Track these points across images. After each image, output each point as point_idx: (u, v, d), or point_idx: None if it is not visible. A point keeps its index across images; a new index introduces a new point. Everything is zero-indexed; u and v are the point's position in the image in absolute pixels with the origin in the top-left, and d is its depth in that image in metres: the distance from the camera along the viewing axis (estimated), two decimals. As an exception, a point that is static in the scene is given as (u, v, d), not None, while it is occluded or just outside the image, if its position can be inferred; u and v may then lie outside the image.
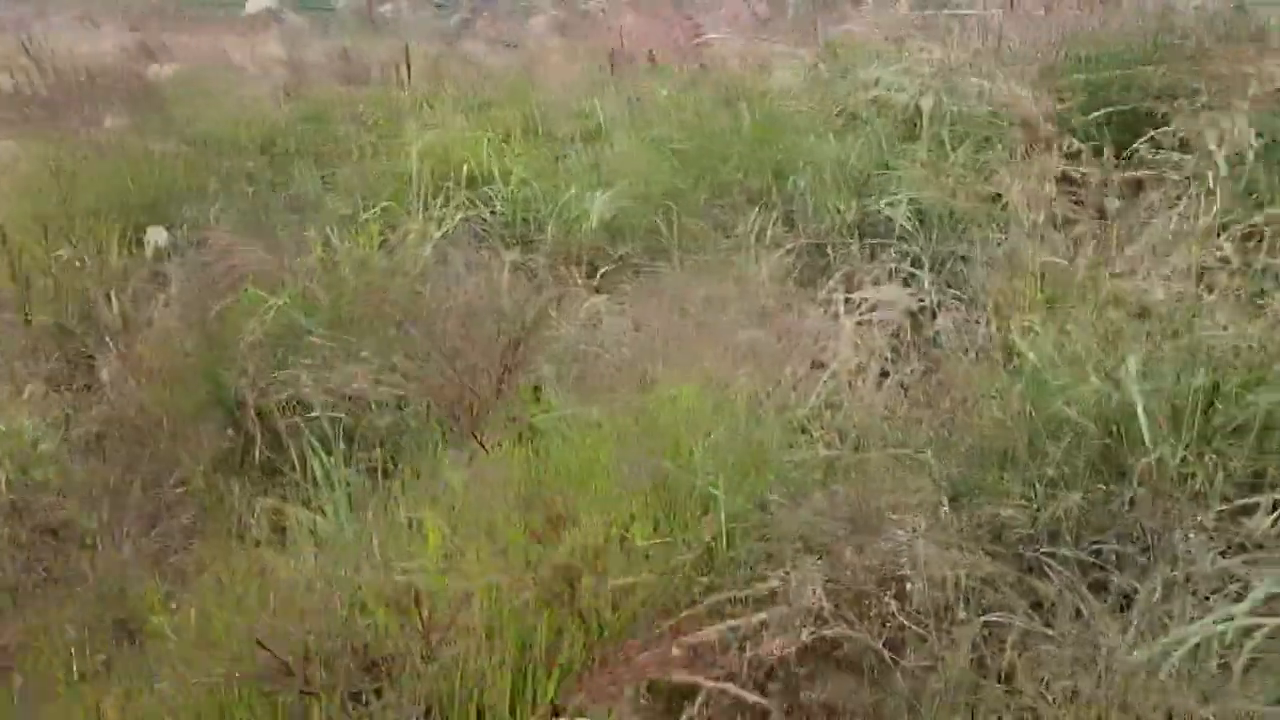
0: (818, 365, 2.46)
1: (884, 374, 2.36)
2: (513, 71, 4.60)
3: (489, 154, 3.78)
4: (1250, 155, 2.43)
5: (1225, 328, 1.61)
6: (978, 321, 2.16)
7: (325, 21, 5.93)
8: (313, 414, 2.29)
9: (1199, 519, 1.41)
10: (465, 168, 3.73)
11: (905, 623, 1.45)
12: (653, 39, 4.20)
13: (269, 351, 2.46)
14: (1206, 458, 1.47)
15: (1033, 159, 2.42)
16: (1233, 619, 1.20)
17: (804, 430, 2.18)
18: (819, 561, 1.72)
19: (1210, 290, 1.90)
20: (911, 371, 2.29)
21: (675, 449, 1.95)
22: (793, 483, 1.95)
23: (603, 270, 3.03)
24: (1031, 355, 1.84)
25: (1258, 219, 2.16)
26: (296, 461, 2.11)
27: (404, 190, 3.39)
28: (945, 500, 1.79)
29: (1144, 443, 1.56)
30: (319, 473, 2.11)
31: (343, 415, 2.29)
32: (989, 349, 2.06)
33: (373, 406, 2.30)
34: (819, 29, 3.87)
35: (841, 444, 2.11)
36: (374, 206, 3.17)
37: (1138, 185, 2.59)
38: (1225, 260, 1.95)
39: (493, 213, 3.57)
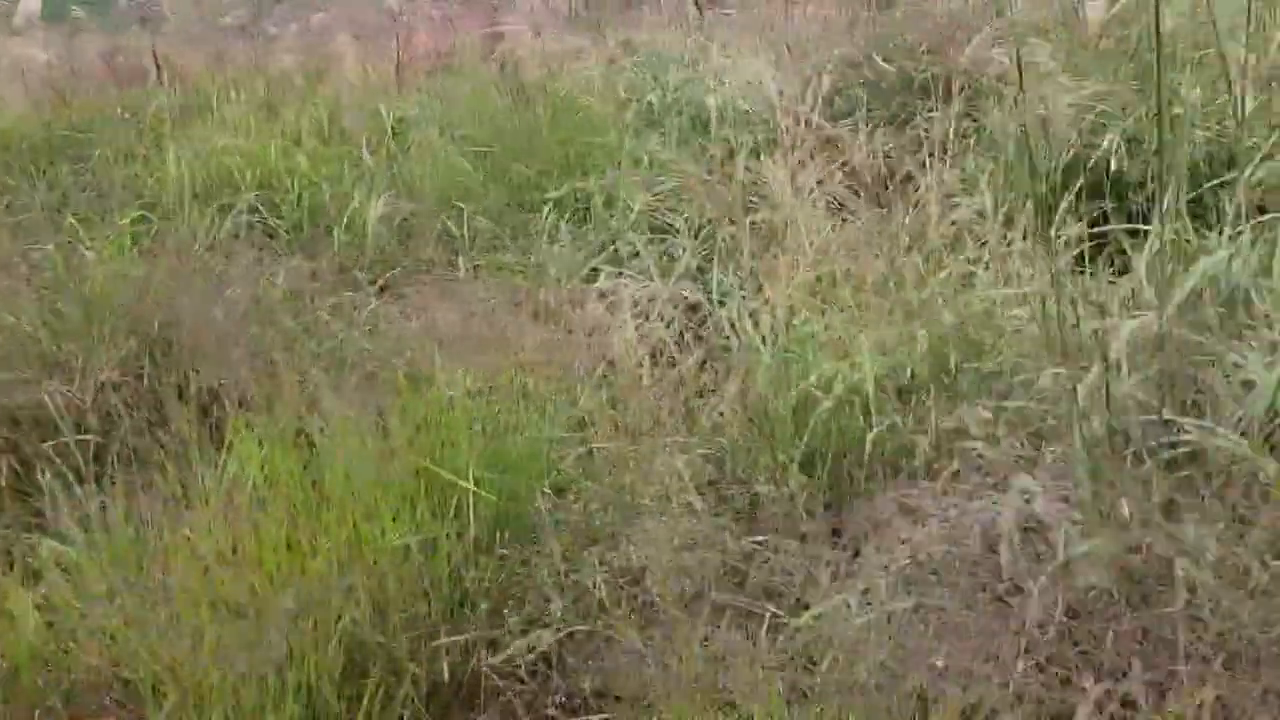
0: (604, 360, 2.48)
1: (671, 363, 2.41)
2: (305, 70, 4.44)
3: (277, 157, 3.63)
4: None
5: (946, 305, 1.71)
6: (753, 311, 2.22)
7: (102, 20, 5.54)
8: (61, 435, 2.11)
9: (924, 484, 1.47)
10: (252, 171, 3.57)
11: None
12: (450, 37, 4.14)
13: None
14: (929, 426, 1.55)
15: (807, 152, 2.51)
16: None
17: (586, 424, 2.19)
18: (586, 553, 1.74)
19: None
20: (692, 361, 2.34)
21: (448, 450, 1.91)
22: (566, 477, 1.96)
23: (390, 274, 2.95)
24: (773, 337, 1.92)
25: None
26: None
27: (176, 195, 3.19)
28: (704, 483, 1.82)
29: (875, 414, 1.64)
30: (61, 496, 1.94)
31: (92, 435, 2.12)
32: (761, 334, 2.12)
33: (125, 421, 2.14)
34: (617, 27, 3.91)
35: (619, 436, 2.13)
36: (134, 212, 2.96)
37: (908, 176, 2.69)
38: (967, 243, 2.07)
39: (279, 217, 3.43)
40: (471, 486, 1.68)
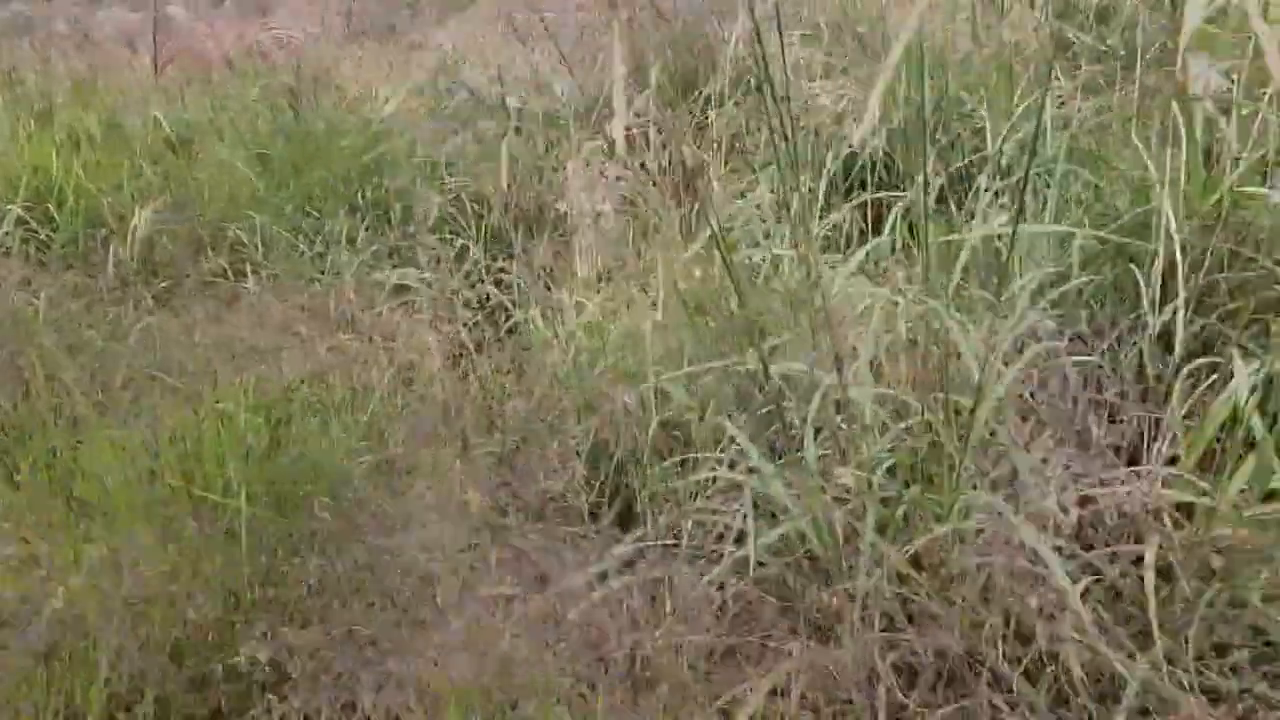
0: (404, 366, 2.44)
1: (470, 366, 2.40)
2: (82, 73, 4.13)
3: (50, 164, 3.37)
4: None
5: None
6: (548, 310, 2.22)
7: None
8: None
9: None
10: (25, 180, 3.30)
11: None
12: (239, 41, 3.95)
13: None
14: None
15: (601, 151, 2.54)
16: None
17: (379, 432, 2.14)
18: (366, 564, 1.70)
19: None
20: (490, 362, 2.33)
21: (218, 467, 1.82)
22: (354, 488, 1.91)
23: (173, 286, 2.79)
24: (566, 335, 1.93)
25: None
26: None
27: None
28: (498, 484, 1.81)
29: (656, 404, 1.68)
30: None
31: None
32: (554, 330, 2.13)
33: None
34: (417, 30, 3.84)
35: (414, 440, 2.09)
36: None
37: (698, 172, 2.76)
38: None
39: (54, 230, 3.18)
40: (242, 505, 1.60)
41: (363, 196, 3.09)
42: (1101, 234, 1.70)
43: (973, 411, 1.23)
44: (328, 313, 2.62)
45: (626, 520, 1.58)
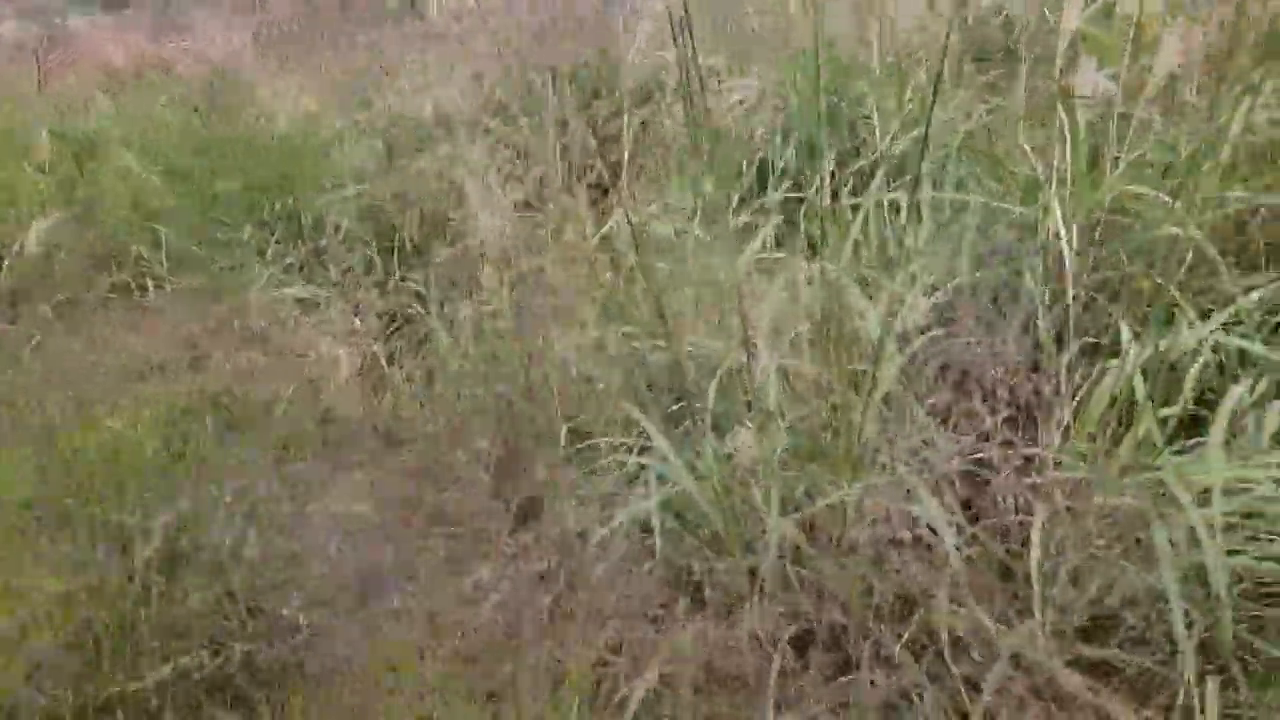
0: (313, 379, 2.39)
1: (380, 376, 2.37)
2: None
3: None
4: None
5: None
6: (455, 316, 2.20)
7: None
8: None
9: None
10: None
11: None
12: (148, 53, 3.86)
13: None
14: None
15: (502, 159, 2.54)
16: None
17: (286, 448, 2.09)
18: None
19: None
20: (401, 372, 2.31)
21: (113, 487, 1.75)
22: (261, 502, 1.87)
23: (72, 301, 2.69)
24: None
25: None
26: None
27: None
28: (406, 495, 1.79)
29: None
30: None
31: None
32: (461, 335, 2.11)
33: None
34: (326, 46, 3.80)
35: (326, 452, 2.06)
36: None
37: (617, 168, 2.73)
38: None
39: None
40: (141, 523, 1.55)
41: (273, 208, 3.02)
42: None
43: (872, 387, 1.26)
44: (235, 327, 2.56)
45: (531, 515, 1.57)
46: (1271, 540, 1.08)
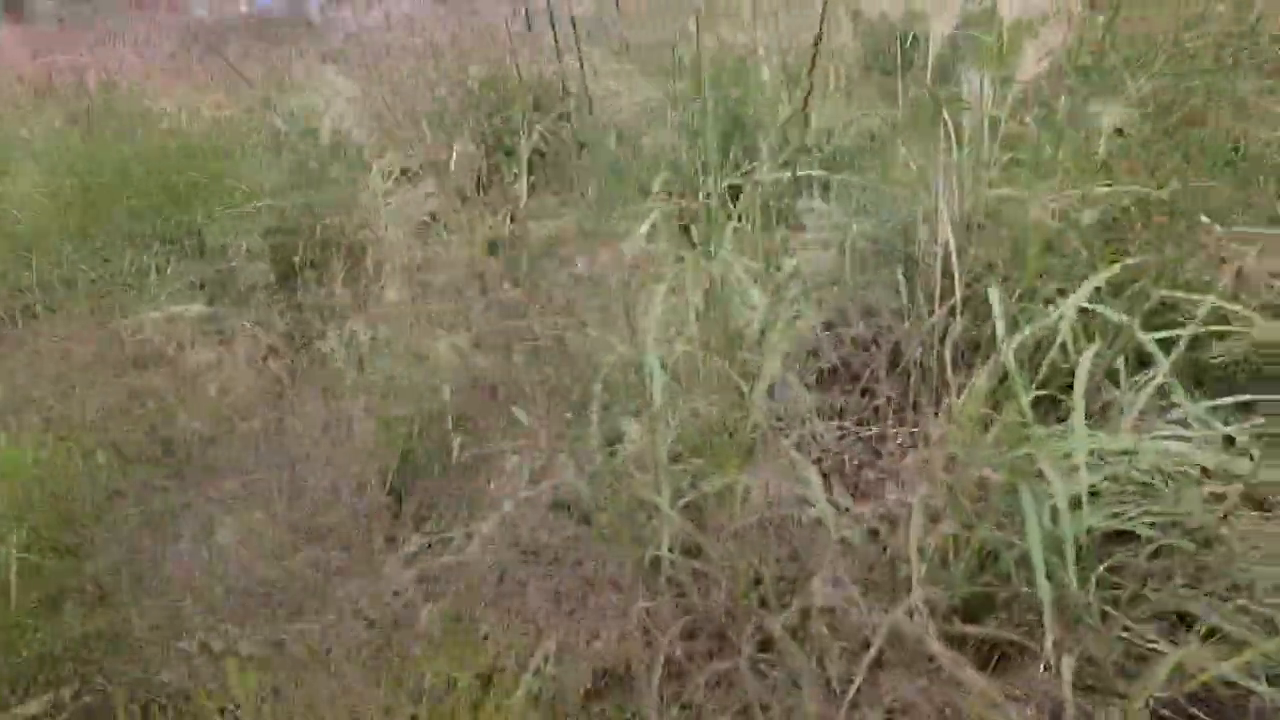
0: (212, 401, 2.33)
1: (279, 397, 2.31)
2: None
3: None
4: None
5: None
6: (350, 335, 2.17)
7: None
8: None
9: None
10: None
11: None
12: (48, 67, 3.73)
13: None
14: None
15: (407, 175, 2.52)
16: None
17: (180, 474, 2.03)
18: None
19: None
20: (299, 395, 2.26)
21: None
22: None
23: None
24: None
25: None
26: None
27: None
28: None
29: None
30: None
31: None
32: (356, 354, 2.08)
33: None
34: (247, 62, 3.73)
35: (217, 478, 2.00)
36: None
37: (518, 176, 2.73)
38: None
39: None
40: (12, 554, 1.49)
41: (175, 225, 2.94)
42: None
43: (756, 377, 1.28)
44: (132, 349, 2.48)
45: (423, 525, 1.55)
46: (1129, 505, 1.14)
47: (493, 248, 2.01)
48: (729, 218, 1.75)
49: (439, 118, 3.04)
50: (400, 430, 1.79)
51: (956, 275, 1.76)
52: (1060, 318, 1.28)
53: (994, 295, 1.39)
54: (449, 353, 1.71)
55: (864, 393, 1.47)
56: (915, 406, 1.49)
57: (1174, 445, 1.11)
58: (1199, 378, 1.53)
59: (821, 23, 2.53)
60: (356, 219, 2.64)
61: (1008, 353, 1.37)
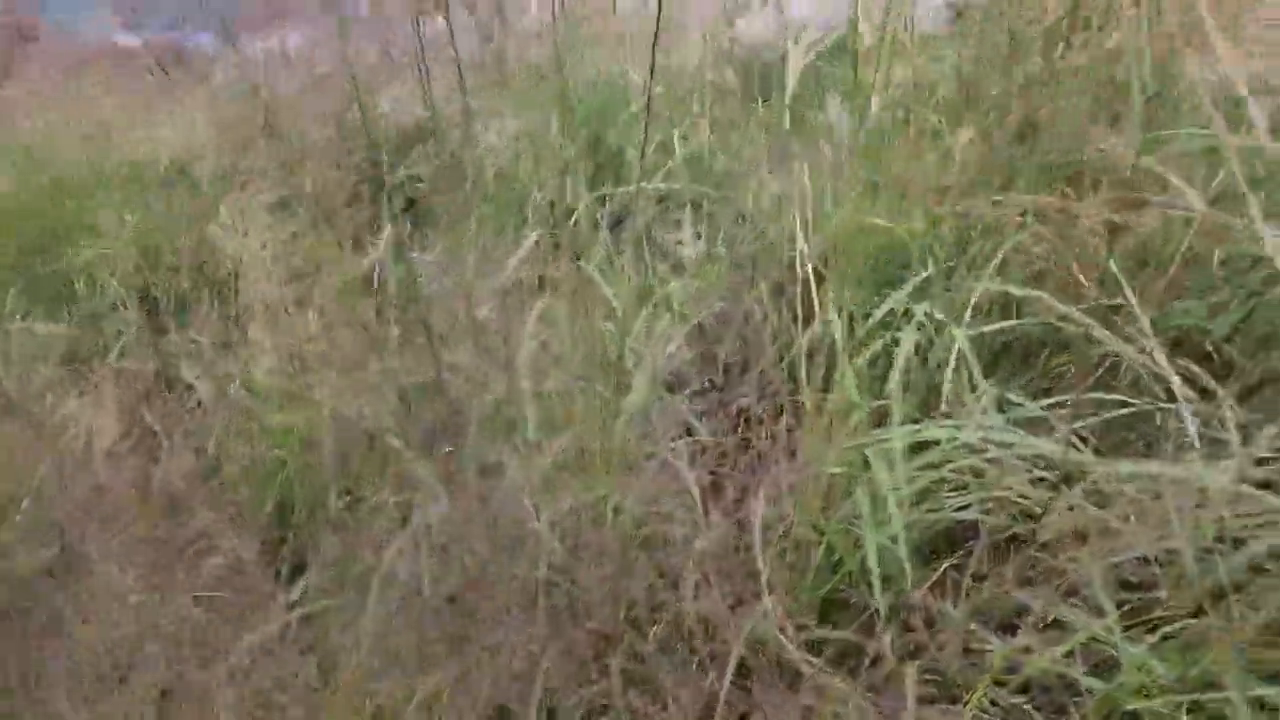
0: (76, 452, 2.25)
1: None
2: None
3: None
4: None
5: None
6: (224, 377, 2.13)
7: None
8: None
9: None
10: None
11: None
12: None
13: None
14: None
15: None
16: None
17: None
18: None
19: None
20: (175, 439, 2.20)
21: None
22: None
23: None
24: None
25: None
26: None
27: None
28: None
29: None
30: None
31: None
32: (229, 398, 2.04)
33: None
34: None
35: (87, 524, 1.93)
36: None
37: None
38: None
39: None
40: None
41: (40, 268, 2.84)
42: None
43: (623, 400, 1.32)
44: (-12, 402, 2.37)
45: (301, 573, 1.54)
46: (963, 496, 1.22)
47: (365, 285, 2.01)
48: (600, 246, 1.81)
49: (316, 151, 3.02)
50: (277, 476, 1.77)
51: (814, 294, 1.85)
52: (892, 324, 1.37)
53: (832, 310, 1.47)
54: (323, 395, 1.70)
55: (735, 411, 1.53)
56: (779, 420, 1.56)
57: (998, 435, 1.19)
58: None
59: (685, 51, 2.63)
60: (225, 255, 2.59)
61: (844, 363, 1.46)
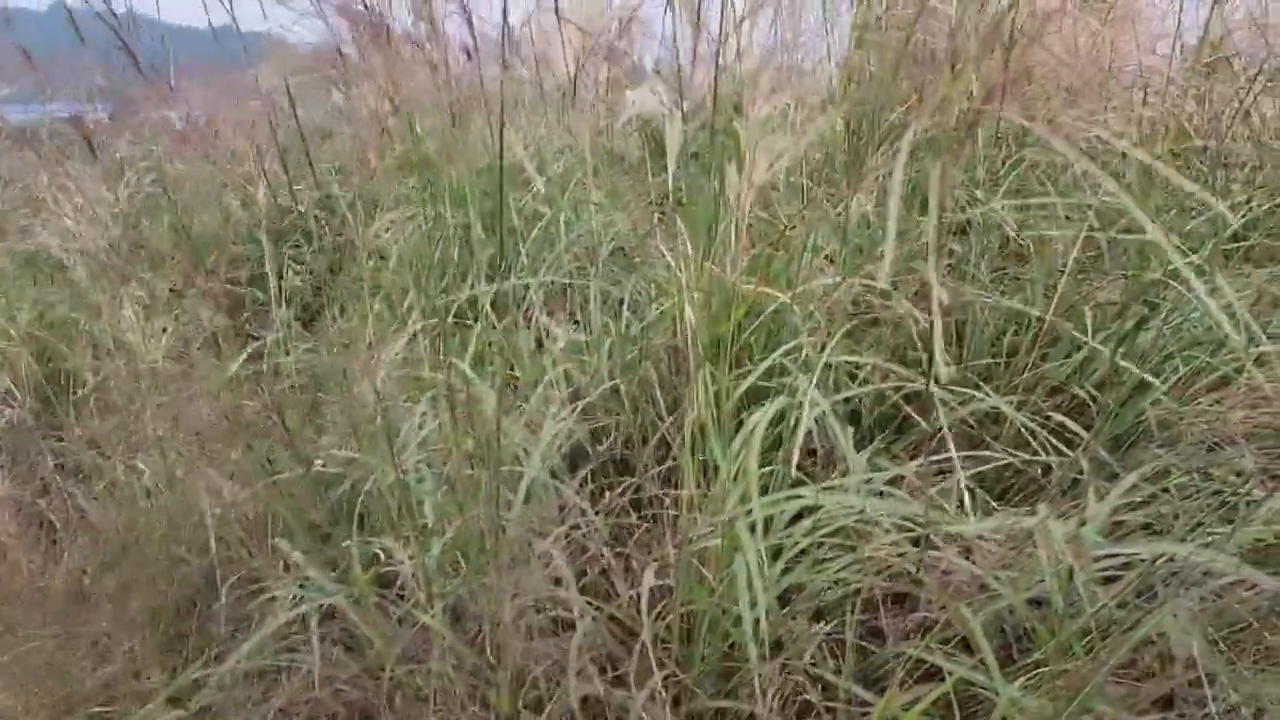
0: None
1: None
2: None
3: None
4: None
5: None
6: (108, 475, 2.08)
7: None
8: None
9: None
10: None
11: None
12: None
13: None
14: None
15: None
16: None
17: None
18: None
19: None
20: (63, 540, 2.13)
21: None
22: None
23: None
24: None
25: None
26: None
27: None
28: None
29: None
30: None
31: None
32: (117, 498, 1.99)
33: None
34: None
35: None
36: None
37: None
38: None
39: None
40: None
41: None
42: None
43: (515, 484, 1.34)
44: None
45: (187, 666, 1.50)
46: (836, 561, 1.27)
47: (253, 379, 2.00)
48: (492, 328, 1.84)
49: (202, 240, 3.00)
50: (166, 574, 1.73)
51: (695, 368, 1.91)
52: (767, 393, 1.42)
53: (702, 382, 1.51)
54: (211, 491, 1.68)
55: (633, 488, 1.56)
56: (670, 494, 1.60)
57: (858, 499, 1.25)
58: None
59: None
60: (105, 351, 2.54)
61: (712, 436, 1.50)
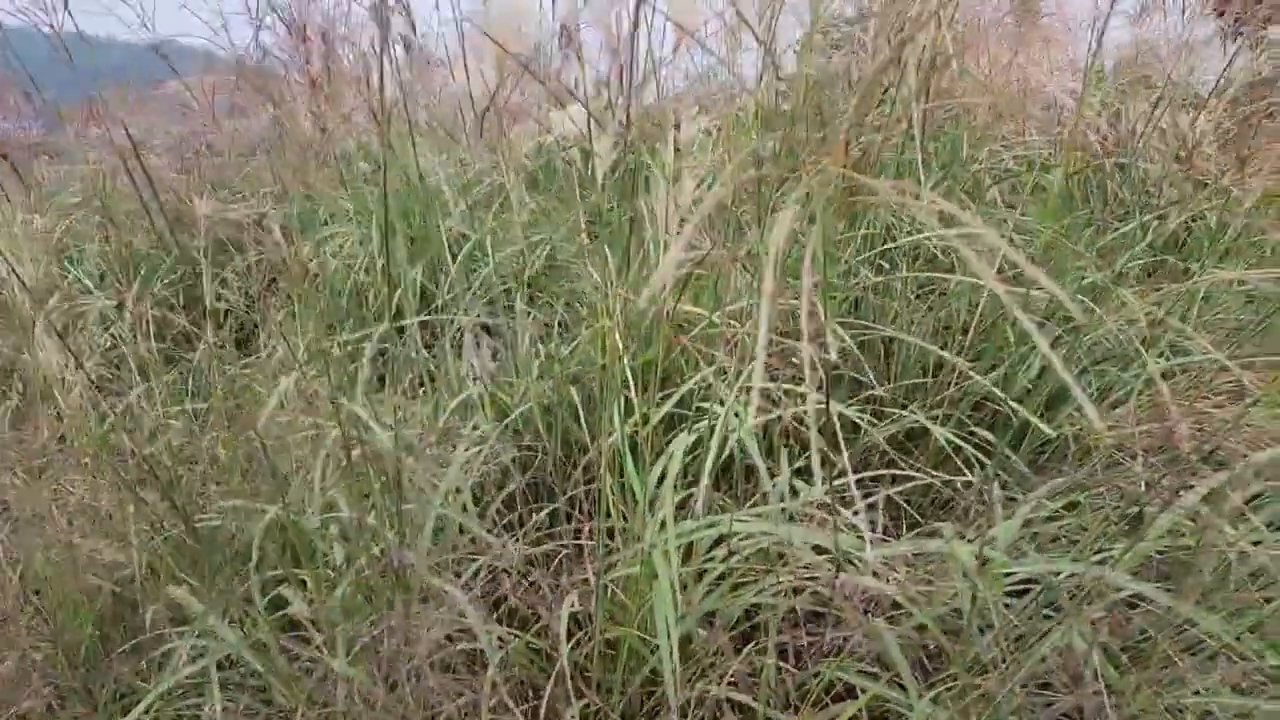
0: None
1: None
2: None
3: None
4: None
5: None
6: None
7: None
8: None
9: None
10: None
11: None
12: None
13: None
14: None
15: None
16: None
17: None
18: None
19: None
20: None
21: None
22: None
23: None
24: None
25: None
26: None
27: None
28: None
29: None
30: None
31: None
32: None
33: None
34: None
35: None
36: None
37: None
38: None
39: None
40: None
41: None
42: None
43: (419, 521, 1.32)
44: None
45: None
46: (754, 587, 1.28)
47: (176, 415, 1.94)
48: (423, 357, 1.82)
49: (136, 261, 2.93)
50: (94, 603, 1.67)
51: (633, 392, 1.91)
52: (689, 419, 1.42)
53: (615, 410, 1.51)
54: (111, 537, 1.63)
55: (549, 515, 1.55)
56: (591, 522, 1.59)
57: (769, 526, 1.26)
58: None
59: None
60: (41, 374, 2.46)
61: (630, 463, 1.50)
